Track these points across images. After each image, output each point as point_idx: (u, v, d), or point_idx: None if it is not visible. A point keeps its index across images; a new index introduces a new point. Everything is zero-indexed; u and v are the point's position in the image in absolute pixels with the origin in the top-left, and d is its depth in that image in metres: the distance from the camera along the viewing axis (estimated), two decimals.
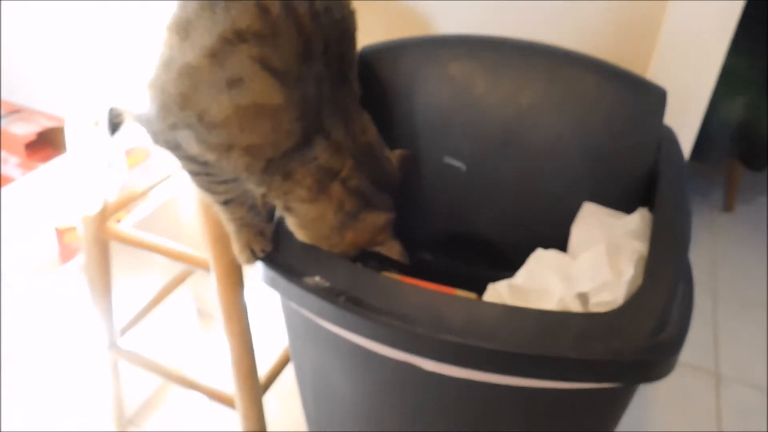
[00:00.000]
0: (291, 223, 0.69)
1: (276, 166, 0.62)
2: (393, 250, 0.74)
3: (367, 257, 0.75)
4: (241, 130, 0.58)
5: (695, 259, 1.82)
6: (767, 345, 1.49)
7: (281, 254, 0.68)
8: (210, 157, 0.61)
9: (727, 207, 1.98)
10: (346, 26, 0.62)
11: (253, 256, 0.68)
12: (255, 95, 0.56)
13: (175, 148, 0.62)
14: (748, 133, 1.80)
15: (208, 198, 0.69)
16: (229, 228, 0.70)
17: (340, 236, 0.69)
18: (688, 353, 1.43)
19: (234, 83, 0.55)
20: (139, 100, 0.61)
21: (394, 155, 0.75)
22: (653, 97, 0.76)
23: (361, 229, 0.70)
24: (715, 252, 1.80)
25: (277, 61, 0.55)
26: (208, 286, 1.36)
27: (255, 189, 0.66)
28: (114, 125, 0.87)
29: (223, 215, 0.70)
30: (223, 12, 0.54)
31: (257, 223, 0.69)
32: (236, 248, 0.70)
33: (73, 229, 1.10)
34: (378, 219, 0.70)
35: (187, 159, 0.63)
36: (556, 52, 0.80)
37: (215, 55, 0.54)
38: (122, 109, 0.84)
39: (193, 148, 0.60)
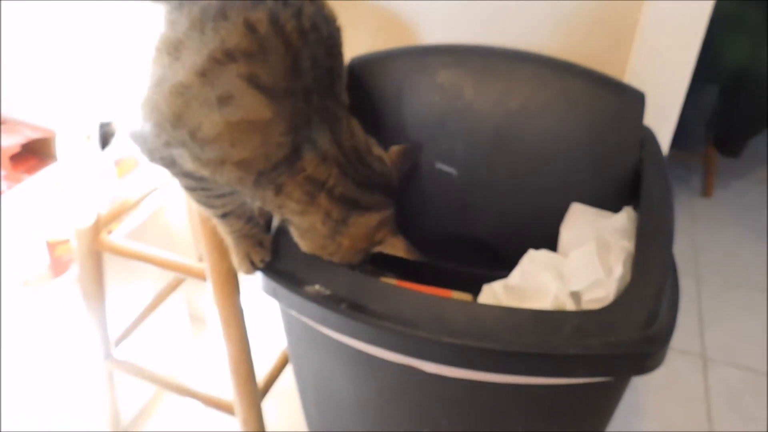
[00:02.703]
0: (293, 234, 0.70)
1: (267, 179, 0.63)
2: (396, 246, 0.73)
3: (365, 262, 0.76)
4: (232, 146, 0.59)
5: (676, 244, 1.86)
6: (751, 325, 1.53)
7: (281, 264, 0.69)
8: (204, 172, 0.61)
9: (706, 192, 2.02)
10: (332, 42, 0.63)
11: (253, 267, 0.69)
12: (245, 111, 0.57)
13: (171, 164, 0.63)
14: (722, 122, 1.84)
15: (205, 212, 0.70)
16: (228, 240, 0.71)
17: (335, 244, 0.70)
18: (674, 337, 1.46)
19: (224, 101, 0.56)
20: (132, 118, 0.62)
21: (393, 151, 0.76)
22: (633, 100, 0.78)
23: (355, 233, 0.70)
24: (695, 236, 1.85)
25: (265, 78, 0.57)
26: (201, 292, 1.37)
27: (251, 202, 0.67)
28: (104, 139, 0.87)
29: (221, 228, 0.71)
30: (212, 32, 0.55)
31: (256, 234, 0.70)
32: (235, 259, 0.71)
33: (65, 242, 1.09)
34: (370, 219, 0.71)
35: (183, 175, 0.64)
36: (541, 58, 0.83)
37: (205, 74, 0.55)
38: (112, 122, 0.84)
39: (188, 164, 0.61)
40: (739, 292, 1.64)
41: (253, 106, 0.57)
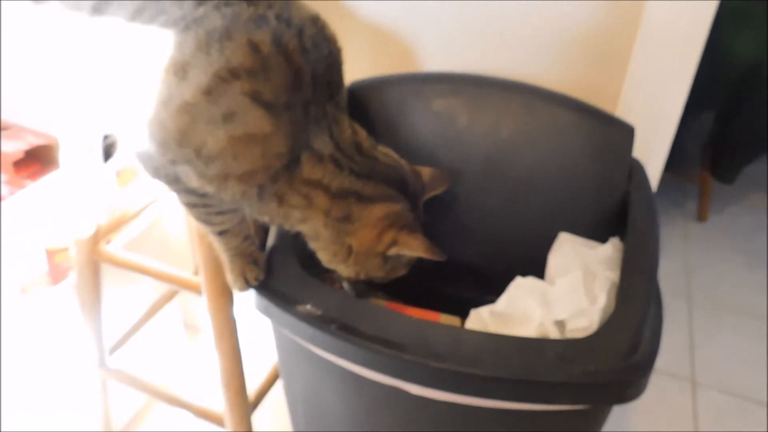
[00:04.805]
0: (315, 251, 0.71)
1: (269, 191, 0.65)
2: (413, 246, 0.70)
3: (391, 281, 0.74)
4: (234, 160, 0.61)
5: (670, 267, 1.87)
6: (741, 351, 1.54)
7: (273, 282, 0.71)
8: (209, 188, 0.63)
9: (701, 216, 2.03)
10: (332, 60, 0.65)
11: (247, 284, 0.71)
12: (247, 126, 0.59)
13: (175, 181, 0.65)
14: (718, 148, 1.85)
15: (204, 228, 0.71)
16: (224, 257, 0.73)
17: (344, 248, 0.69)
18: (664, 360, 1.47)
19: (228, 117, 0.58)
20: (136, 137, 0.64)
21: (427, 171, 0.75)
22: (622, 133, 0.80)
23: (361, 231, 0.69)
24: (689, 260, 1.86)
25: (267, 94, 0.59)
26: (196, 302, 1.38)
27: (258, 217, 0.69)
28: (107, 151, 0.89)
29: (218, 245, 0.72)
30: (218, 53, 0.57)
31: (252, 252, 0.72)
32: (230, 277, 0.72)
33: (64, 250, 1.11)
34: (374, 211, 0.69)
35: (186, 192, 0.66)
36: (532, 89, 0.85)
37: (210, 93, 0.57)
38: (115, 135, 0.86)
39: (193, 181, 0.63)
40: (731, 317, 1.65)
41: (254, 121, 0.59)
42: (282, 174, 0.64)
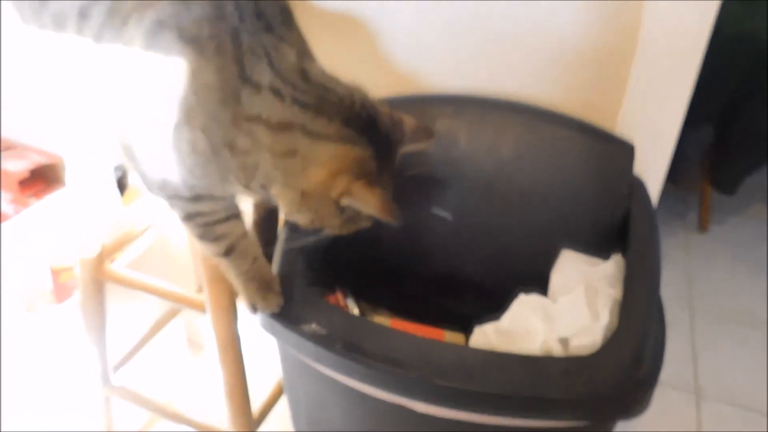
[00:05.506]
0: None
1: (217, 138, 0.61)
2: (367, 200, 0.61)
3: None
4: (173, 104, 0.60)
5: (672, 278, 1.86)
6: (745, 361, 1.54)
7: None
8: (173, 154, 0.62)
9: (702, 227, 2.03)
10: None
11: (265, 310, 0.70)
12: (175, 65, 0.58)
13: (166, 187, 0.65)
14: (718, 159, 1.86)
15: (210, 250, 0.71)
16: (236, 283, 0.72)
17: (299, 195, 0.63)
18: (667, 371, 1.47)
19: (161, 63, 0.59)
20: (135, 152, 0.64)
21: (411, 121, 0.69)
22: (622, 152, 0.81)
23: (311, 170, 0.61)
24: (690, 271, 1.86)
25: (189, 28, 0.59)
26: (200, 318, 1.38)
27: (228, 187, 0.65)
28: (122, 184, 0.90)
29: (229, 270, 0.72)
30: (151, 12, 0.59)
31: (263, 275, 0.71)
32: (247, 302, 0.72)
33: (68, 268, 1.11)
34: (324, 150, 0.61)
35: (179, 199, 0.66)
36: (533, 109, 0.86)
37: (149, 46, 0.59)
38: (126, 171, 0.87)
39: (185, 160, 0.62)
40: (733, 328, 1.65)
41: (181, 57, 0.58)
42: (223, 114, 0.60)
